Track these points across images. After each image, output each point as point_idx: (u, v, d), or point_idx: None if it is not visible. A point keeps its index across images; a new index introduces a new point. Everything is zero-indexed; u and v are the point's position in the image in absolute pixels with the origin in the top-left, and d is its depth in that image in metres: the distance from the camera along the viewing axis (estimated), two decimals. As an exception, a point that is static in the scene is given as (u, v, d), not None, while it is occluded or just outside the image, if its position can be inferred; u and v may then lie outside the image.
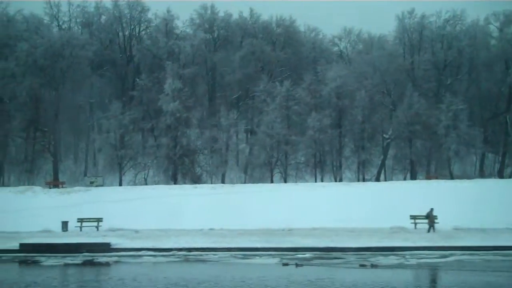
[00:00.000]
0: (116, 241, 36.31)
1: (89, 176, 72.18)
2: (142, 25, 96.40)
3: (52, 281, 25.08)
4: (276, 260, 30.19)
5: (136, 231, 41.49)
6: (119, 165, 70.17)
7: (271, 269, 27.51)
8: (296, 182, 69.49)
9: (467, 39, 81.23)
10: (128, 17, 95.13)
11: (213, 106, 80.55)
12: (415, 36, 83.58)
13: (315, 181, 70.39)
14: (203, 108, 78.16)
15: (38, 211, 46.86)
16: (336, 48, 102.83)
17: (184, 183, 69.16)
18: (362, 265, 27.70)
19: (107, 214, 45.46)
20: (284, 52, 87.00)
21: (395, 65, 78.02)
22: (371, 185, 59.20)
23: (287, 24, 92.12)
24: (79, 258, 32.27)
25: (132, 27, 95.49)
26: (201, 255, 33.21)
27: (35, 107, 73.81)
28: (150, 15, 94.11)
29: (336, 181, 70.35)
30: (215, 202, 50.23)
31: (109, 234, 40.75)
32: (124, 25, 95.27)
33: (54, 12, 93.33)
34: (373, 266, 27.65)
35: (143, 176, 73.83)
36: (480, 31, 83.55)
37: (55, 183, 63.69)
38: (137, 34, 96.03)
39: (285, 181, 71.00)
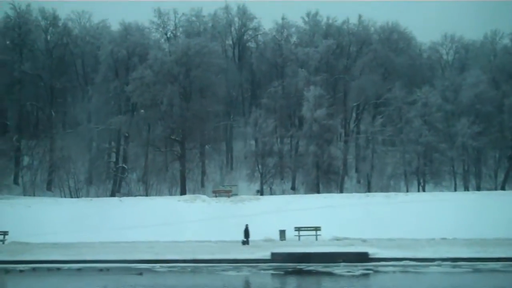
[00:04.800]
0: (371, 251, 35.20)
1: (224, 185, 71.46)
2: (247, 33, 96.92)
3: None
4: None
5: (364, 240, 40.46)
6: (261, 173, 69.15)
7: None
8: (441, 190, 67.76)
9: None
10: (237, 25, 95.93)
11: (343, 113, 79.62)
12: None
13: (454, 190, 68.72)
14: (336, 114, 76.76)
15: (236, 219, 45.87)
16: (437, 54, 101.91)
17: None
18: None
19: (306, 223, 44.58)
20: (404, 58, 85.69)
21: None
22: None
23: (401, 30, 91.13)
24: (357, 269, 31.14)
25: (240, 35, 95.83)
26: (471, 265, 31.89)
27: (170, 116, 73.30)
28: (254, 23, 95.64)
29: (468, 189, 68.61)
30: (405, 211, 48.87)
31: (336, 243, 39.79)
32: (234, 33, 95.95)
33: (163, 21, 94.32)
34: None
35: (269, 185, 73.05)
36: None
37: (222, 192, 62.70)
38: (245, 42, 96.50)
39: (424, 190, 69.51)
